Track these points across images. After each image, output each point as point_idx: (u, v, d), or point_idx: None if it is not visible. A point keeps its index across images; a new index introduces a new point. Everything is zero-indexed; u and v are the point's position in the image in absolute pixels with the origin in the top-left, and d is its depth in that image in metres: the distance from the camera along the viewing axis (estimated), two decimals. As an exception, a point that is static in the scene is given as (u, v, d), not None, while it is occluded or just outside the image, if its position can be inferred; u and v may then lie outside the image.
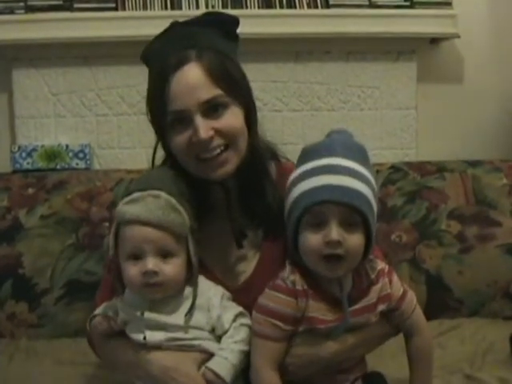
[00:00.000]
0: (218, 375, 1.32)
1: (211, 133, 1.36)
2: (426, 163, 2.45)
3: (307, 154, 1.35)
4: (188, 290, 1.40)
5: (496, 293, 2.22)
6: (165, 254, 1.35)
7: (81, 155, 2.58)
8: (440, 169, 2.39)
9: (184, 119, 1.37)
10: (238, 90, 1.41)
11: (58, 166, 2.56)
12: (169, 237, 1.34)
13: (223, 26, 1.43)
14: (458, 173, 2.37)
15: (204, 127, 1.35)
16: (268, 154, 1.55)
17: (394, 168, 2.38)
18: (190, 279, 1.40)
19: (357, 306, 1.35)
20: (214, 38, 1.41)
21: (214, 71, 1.37)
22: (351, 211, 1.26)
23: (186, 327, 1.36)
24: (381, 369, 1.50)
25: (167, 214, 1.33)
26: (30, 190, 2.26)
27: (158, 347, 1.36)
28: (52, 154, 2.56)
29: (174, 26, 1.44)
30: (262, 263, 1.51)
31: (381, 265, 1.41)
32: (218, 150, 1.39)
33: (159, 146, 1.50)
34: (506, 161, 2.48)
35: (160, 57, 1.40)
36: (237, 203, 1.48)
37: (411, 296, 1.43)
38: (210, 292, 1.41)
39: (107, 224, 2.18)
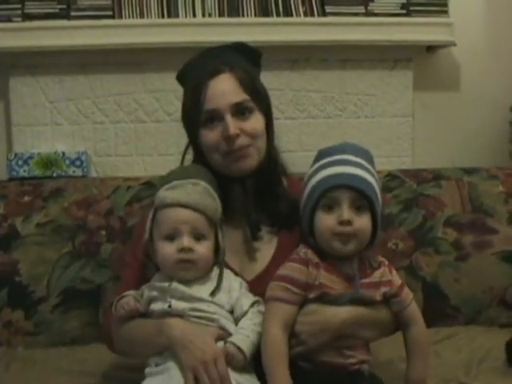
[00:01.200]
0: (240, 349, 1.40)
1: (238, 131, 1.56)
2: (422, 171, 2.45)
3: (322, 154, 1.53)
4: (214, 273, 1.52)
5: (492, 300, 2.23)
6: (198, 236, 1.48)
7: (77, 163, 2.58)
8: (436, 176, 2.39)
9: (216, 118, 1.58)
10: (261, 99, 1.64)
11: (55, 174, 2.56)
12: (203, 220, 1.48)
13: (250, 54, 1.68)
14: (454, 180, 2.37)
15: (233, 125, 1.56)
16: (281, 168, 1.73)
17: (391, 175, 2.38)
18: (216, 263, 1.52)
19: (362, 281, 1.47)
20: (243, 61, 1.64)
21: (244, 81, 1.59)
22: (360, 196, 1.44)
23: (208, 301, 1.46)
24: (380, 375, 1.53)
25: (204, 199, 1.49)
26: (27, 198, 2.26)
27: (180, 317, 1.44)
28: (49, 162, 2.56)
29: (208, 49, 1.66)
30: (277, 257, 1.60)
31: (381, 258, 1.55)
32: (243, 148, 1.58)
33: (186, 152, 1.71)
34: (502, 168, 2.48)
35: (197, 71, 1.62)
36: (253, 202, 1.64)
37: (408, 290, 1.56)
38: (231, 278, 1.53)
39: (104, 232, 2.19)
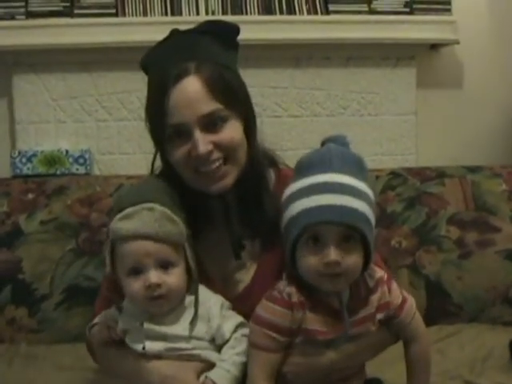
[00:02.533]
0: None
1: (210, 147, 1.36)
2: (425, 169, 2.45)
3: (303, 168, 1.33)
4: (188, 300, 1.39)
5: (495, 298, 2.23)
6: (166, 266, 1.34)
7: (81, 160, 2.58)
8: (440, 174, 2.39)
9: (183, 133, 1.36)
10: (237, 103, 1.40)
11: (58, 172, 2.56)
12: (168, 248, 1.33)
13: (223, 35, 1.42)
14: (457, 178, 2.38)
15: (203, 141, 1.34)
16: (266, 162, 1.53)
17: (394, 174, 2.38)
18: (190, 287, 1.39)
19: (356, 317, 1.34)
20: (214, 49, 1.40)
21: (214, 84, 1.35)
22: (349, 230, 1.26)
23: (186, 337, 1.35)
24: (379, 376, 1.51)
25: (164, 226, 1.32)
26: (30, 196, 2.27)
27: (158, 357, 1.36)
28: (52, 160, 2.56)
29: (174, 34, 1.43)
30: (261, 272, 1.50)
31: (379, 273, 1.39)
32: (217, 164, 1.39)
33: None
34: (505, 167, 2.48)
35: (159, 67, 1.39)
36: (235, 215, 1.47)
37: (411, 302, 1.42)
38: (210, 302, 1.40)
39: (107, 230, 2.18)
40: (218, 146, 1.37)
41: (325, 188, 1.26)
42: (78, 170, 2.57)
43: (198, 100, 1.34)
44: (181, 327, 1.35)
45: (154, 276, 1.32)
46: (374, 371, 1.51)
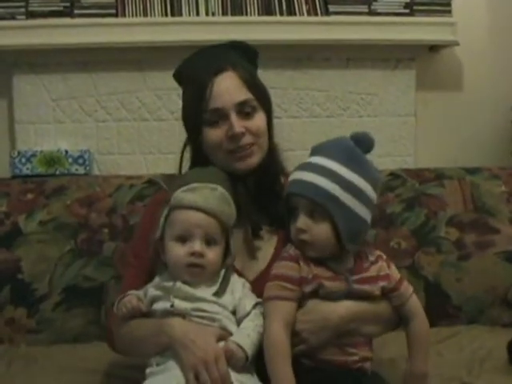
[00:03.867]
0: (241, 347, 1.40)
1: (243, 129, 1.58)
2: (424, 170, 2.45)
3: (311, 151, 1.55)
4: (219, 275, 1.51)
5: (494, 300, 2.23)
6: (210, 241, 1.48)
7: (80, 161, 2.58)
8: (439, 176, 2.39)
9: (221, 117, 1.58)
10: (264, 98, 1.65)
11: (58, 172, 2.56)
12: (217, 225, 1.48)
13: (247, 53, 1.69)
14: (456, 180, 2.37)
15: (238, 123, 1.57)
16: (280, 165, 1.73)
17: (393, 175, 2.38)
18: (223, 266, 1.52)
19: (358, 277, 1.48)
20: (241, 59, 1.66)
21: (247, 80, 1.61)
22: (313, 204, 1.44)
23: (211, 302, 1.46)
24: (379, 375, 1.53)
25: (221, 205, 1.48)
26: (29, 196, 2.26)
27: (182, 316, 1.44)
28: (51, 160, 2.57)
29: (207, 47, 1.68)
30: (277, 256, 1.58)
31: (379, 253, 1.56)
32: (247, 146, 1.60)
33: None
34: (504, 168, 2.48)
35: (198, 68, 1.63)
36: (254, 201, 1.64)
37: (408, 284, 1.56)
38: (234, 278, 1.53)
39: (106, 230, 2.19)
40: (248, 130, 1.59)
41: (306, 166, 1.49)
42: (77, 170, 2.58)
43: (235, 89, 1.59)
44: (209, 292, 1.47)
45: (198, 245, 1.46)
46: (374, 368, 1.53)
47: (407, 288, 1.54)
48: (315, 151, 1.53)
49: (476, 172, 2.42)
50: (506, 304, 2.23)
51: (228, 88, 1.59)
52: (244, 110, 1.59)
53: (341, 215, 1.43)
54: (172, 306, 1.44)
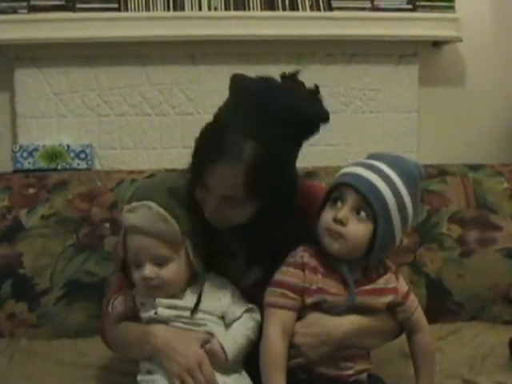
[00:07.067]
0: (223, 348, 1.40)
1: (214, 215, 1.44)
2: (427, 166, 2.43)
3: (367, 157, 1.51)
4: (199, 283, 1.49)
5: (496, 297, 2.23)
6: (161, 261, 1.44)
7: (82, 155, 2.58)
8: (441, 172, 2.39)
9: (207, 191, 1.43)
10: (264, 191, 1.42)
11: (59, 166, 2.56)
12: (161, 245, 1.43)
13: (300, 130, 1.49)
14: (459, 176, 2.38)
15: (213, 208, 1.43)
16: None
17: (395, 171, 2.38)
18: (196, 278, 1.49)
19: (363, 288, 1.44)
20: (277, 120, 1.40)
21: (251, 179, 1.37)
22: (364, 202, 1.38)
23: (195, 310, 1.45)
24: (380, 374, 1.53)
25: (157, 223, 1.42)
26: (31, 190, 2.26)
27: (166, 323, 1.45)
28: (53, 154, 2.56)
29: (245, 96, 1.45)
30: (274, 264, 1.51)
31: (389, 262, 1.52)
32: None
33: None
34: (507, 165, 2.49)
35: (224, 124, 1.40)
36: (252, 243, 1.52)
37: (414, 296, 1.54)
38: (221, 283, 1.51)
39: (108, 225, 2.19)
40: (224, 218, 1.45)
41: (365, 164, 1.44)
42: (79, 164, 2.57)
43: (228, 184, 1.39)
44: (190, 301, 1.46)
45: (147, 270, 1.43)
46: (375, 371, 1.52)
47: (413, 301, 1.52)
48: (375, 157, 1.46)
49: (479, 169, 2.42)
50: (508, 301, 2.23)
51: (223, 181, 1.39)
52: (228, 199, 1.41)
53: (382, 224, 1.39)
54: (155, 313, 1.46)
